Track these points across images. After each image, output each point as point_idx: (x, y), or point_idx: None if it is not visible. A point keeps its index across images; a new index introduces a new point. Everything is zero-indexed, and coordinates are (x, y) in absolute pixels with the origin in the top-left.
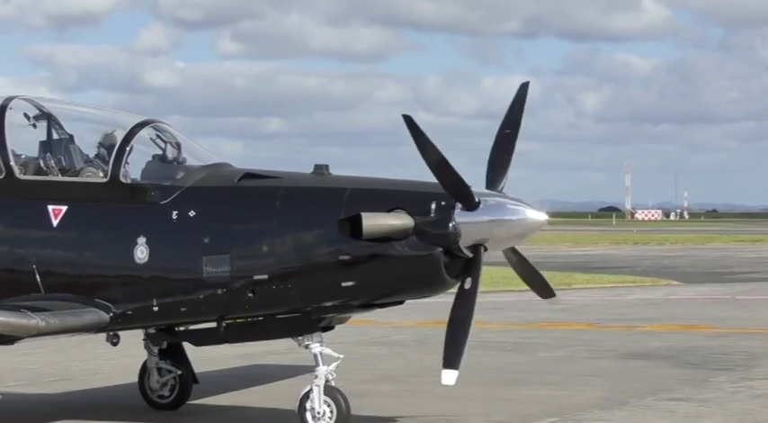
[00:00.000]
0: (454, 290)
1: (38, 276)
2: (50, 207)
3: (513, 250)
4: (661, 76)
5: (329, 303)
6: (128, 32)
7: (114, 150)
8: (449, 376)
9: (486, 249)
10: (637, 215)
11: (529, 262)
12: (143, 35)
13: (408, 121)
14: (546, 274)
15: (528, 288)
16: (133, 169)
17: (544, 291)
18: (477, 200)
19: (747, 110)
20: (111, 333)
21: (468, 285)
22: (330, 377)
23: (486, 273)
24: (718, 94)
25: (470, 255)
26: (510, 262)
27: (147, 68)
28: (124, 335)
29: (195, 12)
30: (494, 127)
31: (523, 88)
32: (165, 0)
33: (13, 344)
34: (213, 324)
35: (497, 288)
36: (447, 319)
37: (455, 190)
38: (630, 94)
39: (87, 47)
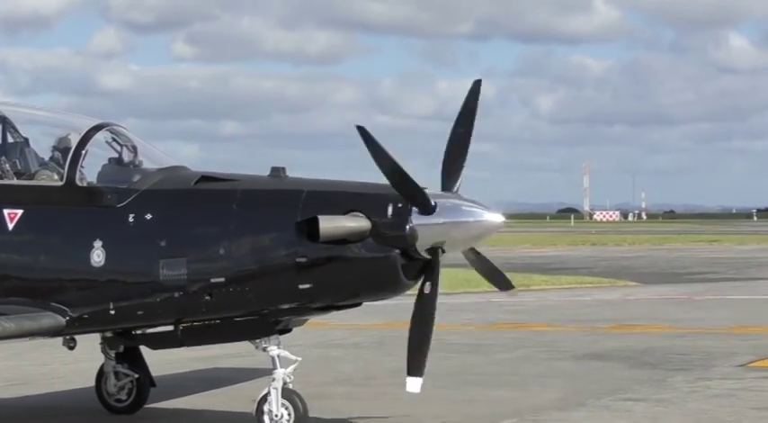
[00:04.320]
0: (413, 291)
1: None
2: (5, 211)
3: (475, 252)
4: (614, 77)
5: (286, 306)
6: (80, 36)
7: (70, 154)
8: (413, 384)
9: (443, 252)
10: (595, 216)
11: (486, 258)
12: (96, 38)
13: (362, 132)
14: None
15: (486, 288)
16: (89, 172)
17: (503, 284)
18: (433, 203)
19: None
20: (67, 337)
21: (427, 290)
22: (288, 380)
23: (444, 274)
24: (672, 96)
25: (428, 256)
26: (468, 259)
27: (101, 71)
28: (81, 339)
29: (147, 15)
30: (449, 128)
31: (476, 86)
32: (115, 3)
33: None
34: (170, 327)
35: (456, 290)
36: (408, 325)
37: (411, 196)
38: (585, 96)
39: (40, 50)
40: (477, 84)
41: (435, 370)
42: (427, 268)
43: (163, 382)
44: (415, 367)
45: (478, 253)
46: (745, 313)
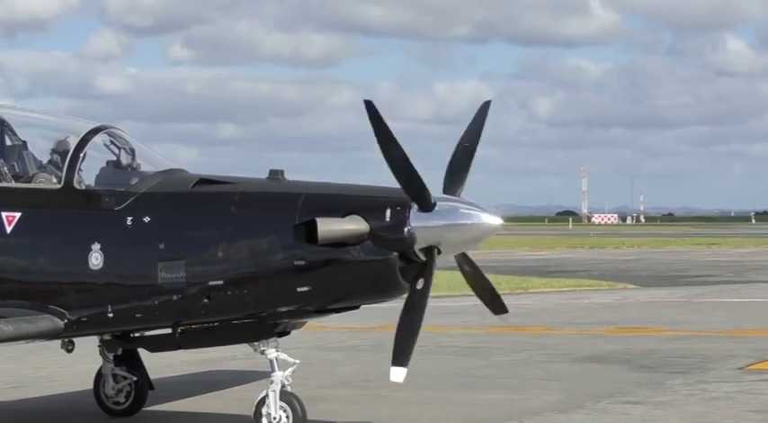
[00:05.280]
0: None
1: None
2: (4, 214)
3: (468, 261)
4: (612, 80)
5: (285, 309)
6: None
7: (68, 156)
8: (397, 374)
9: (439, 252)
10: (593, 219)
11: (483, 275)
12: (93, 41)
13: (369, 107)
14: (503, 278)
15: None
16: (87, 175)
17: (496, 306)
18: (432, 201)
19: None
20: (66, 340)
21: (419, 286)
22: (286, 382)
23: (443, 277)
24: (669, 99)
25: (425, 258)
26: (462, 272)
27: (99, 74)
28: (79, 341)
29: (144, 18)
30: (448, 132)
31: (485, 107)
32: (113, 6)
33: None
34: (169, 330)
35: (454, 293)
36: (399, 317)
37: (411, 186)
38: (583, 99)
39: (38, 53)
40: (486, 105)
41: (434, 372)
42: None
43: (161, 384)
44: (400, 357)
45: (475, 267)
46: (743, 316)
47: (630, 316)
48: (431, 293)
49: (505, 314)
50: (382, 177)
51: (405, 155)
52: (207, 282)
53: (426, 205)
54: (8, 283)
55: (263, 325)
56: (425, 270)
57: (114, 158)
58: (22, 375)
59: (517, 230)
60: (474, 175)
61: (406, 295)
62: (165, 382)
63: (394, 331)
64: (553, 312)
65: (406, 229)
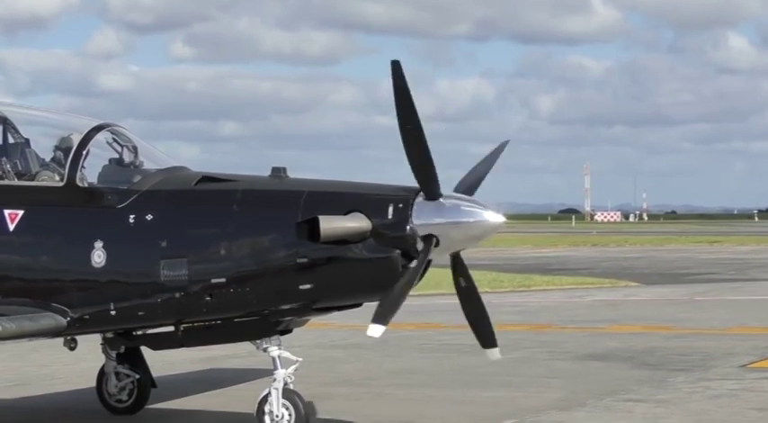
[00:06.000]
0: (414, 293)
1: None
2: (6, 211)
3: (466, 276)
4: (613, 78)
5: (287, 306)
6: (79, 37)
7: (71, 154)
8: (375, 330)
9: (438, 244)
10: (596, 217)
11: (481, 301)
12: (95, 39)
13: (396, 68)
14: (505, 276)
15: (487, 289)
16: (90, 173)
17: (487, 339)
18: (439, 192)
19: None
20: (68, 337)
21: (413, 264)
22: (289, 380)
23: (443, 276)
24: (671, 96)
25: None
26: (456, 287)
27: (100, 72)
28: (82, 339)
29: (145, 16)
30: (449, 129)
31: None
32: (114, 4)
33: None
34: (171, 328)
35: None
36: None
37: (421, 167)
38: (584, 97)
39: (39, 51)
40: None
41: (435, 370)
42: (428, 269)
43: (164, 382)
44: (380, 317)
45: (474, 292)
46: (745, 314)
47: (633, 314)
48: (422, 274)
49: (494, 349)
50: (384, 175)
51: (421, 128)
52: (209, 279)
53: (433, 194)
54: (11, 280)
55: (266, 323)
56: (421, 253)
57: (117, 156)
58: (24, 373)
59: (519, 228)
60: None
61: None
62: (168, 380)
63: (396, 329)
64: (555, 310)
65: (408, 227)
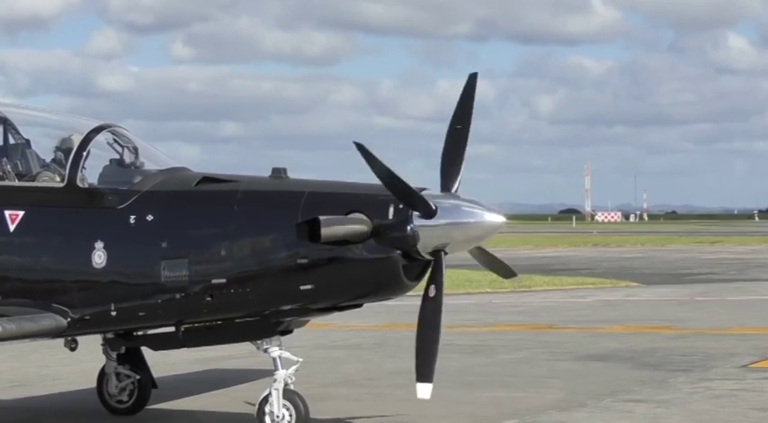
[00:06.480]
0: (414, 292)
1: None
2: (7, 212)
3: (438, 290)
4: (614, 78)
5: (288, 307)
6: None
7: (71, 155)
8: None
9: (446, 254)
10: (597, 217)
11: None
12: (95, 39)
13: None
14: None
15: (488, 289)
16: (90, 174)
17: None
18: (434, 207)
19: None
20: (69, 338)
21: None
22: (289, 381)
23: (446, 275)
24: (671, 96)
25: (429, 258)
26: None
27: (101, 73)
28: (82, 340)
29: (145, 16)
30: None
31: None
32: (114, 4)
33: None
34: (172, 328)
35: (457, 291)
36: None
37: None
38: (585, 97)
39: (39, 51)
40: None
41: (436, 370)
42: (428, 269)
43: (164, 383)
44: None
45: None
46: (746, 314)
47: (633, 314)
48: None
49: (428, 384)
50: None
51: (467, 134)
52: (210, 280)
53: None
54: (11, 281)
55: (266, 323)
56: (436, 275)
57: (117, 157)
58: (25, 374)
59: (520, 229)
60: (476, 173)
61: (410, 294)
62: (168, 381)
63: (396, 329)
64: (556, 310)
65: (409, 228)
